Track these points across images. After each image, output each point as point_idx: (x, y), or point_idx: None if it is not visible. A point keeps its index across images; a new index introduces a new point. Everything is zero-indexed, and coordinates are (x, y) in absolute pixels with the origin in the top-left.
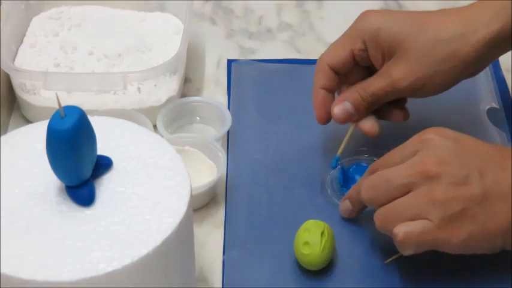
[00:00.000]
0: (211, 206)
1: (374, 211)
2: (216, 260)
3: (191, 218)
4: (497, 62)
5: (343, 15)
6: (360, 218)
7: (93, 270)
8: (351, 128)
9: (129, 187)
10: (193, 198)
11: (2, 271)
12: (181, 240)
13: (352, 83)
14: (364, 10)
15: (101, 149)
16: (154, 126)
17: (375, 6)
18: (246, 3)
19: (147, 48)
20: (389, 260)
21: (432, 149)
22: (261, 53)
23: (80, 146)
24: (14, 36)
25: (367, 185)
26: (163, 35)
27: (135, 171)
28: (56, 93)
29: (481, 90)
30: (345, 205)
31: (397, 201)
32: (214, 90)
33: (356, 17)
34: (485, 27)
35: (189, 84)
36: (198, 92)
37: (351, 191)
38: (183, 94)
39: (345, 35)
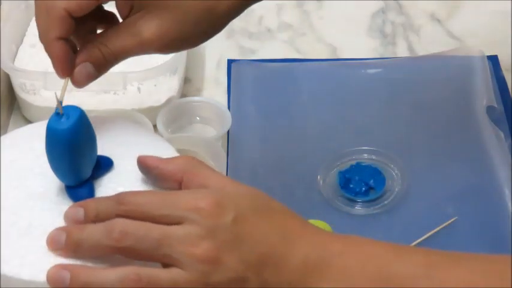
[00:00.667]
0: None
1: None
2: None
3: None
4: (497, 61)
5: (343, 15)
6: (359, 218)
7: None
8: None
9: (129, 187)
10: None
11: (2, 271)
12: None
13: (88, 31)
14: (364, 10)
15: (101, 149)
16: (154, 126)
17: (375, 6)
18: None
19: None
20: None
21: (200, 228)
22: (261, 53)
23: (79, 146)
24: (14, 36)
25: (123, 229)
26: None
27: (135, 171)
28: (55, 92)
29: (481, 89)
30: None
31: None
32: (214, 90)
33: (356, 16)
34: None
35: (189, 84)
36: (198, 92)
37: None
38: (183, 94)
39: None
